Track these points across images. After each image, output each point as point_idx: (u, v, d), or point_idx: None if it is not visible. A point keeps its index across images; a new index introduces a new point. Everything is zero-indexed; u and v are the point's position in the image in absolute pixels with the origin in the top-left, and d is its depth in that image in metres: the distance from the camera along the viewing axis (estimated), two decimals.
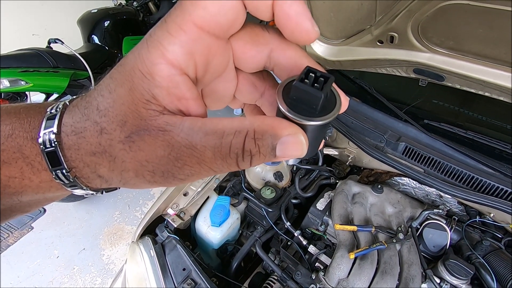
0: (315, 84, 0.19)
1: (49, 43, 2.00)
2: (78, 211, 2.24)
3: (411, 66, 1.07)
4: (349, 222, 1.01)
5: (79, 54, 1.99)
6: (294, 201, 1.24)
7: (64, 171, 0.21)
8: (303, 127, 0.19)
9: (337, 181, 1.22)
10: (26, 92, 1.79)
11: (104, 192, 0.25)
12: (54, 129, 0.21)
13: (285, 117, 0.19)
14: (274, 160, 0.19)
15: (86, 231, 2.12)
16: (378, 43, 1.07)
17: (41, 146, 0.21)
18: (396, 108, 1.26)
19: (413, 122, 1.20)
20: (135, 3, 2.73)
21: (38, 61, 1.75)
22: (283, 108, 0.19)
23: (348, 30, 1.13)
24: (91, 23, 2.36)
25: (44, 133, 0.21)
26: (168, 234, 1.00)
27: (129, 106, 0.19)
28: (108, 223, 2.18)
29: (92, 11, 2.41)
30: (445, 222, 0.99)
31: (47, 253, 1.96)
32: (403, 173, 1.14)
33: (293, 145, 0.18)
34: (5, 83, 1.56)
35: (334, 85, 0.21)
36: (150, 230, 1.05)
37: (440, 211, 1.01)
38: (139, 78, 0.18)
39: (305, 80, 0.19)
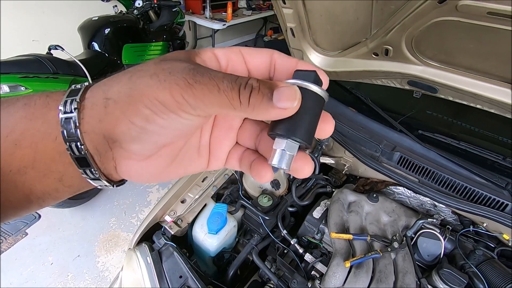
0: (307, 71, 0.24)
1: (49, 49, 2.02)
2: (73, 217, 2.22)
3: (405, 78, 1.10)
4: (345, 230, 1.02)
5: (79, 60, 2.01)
6: (290, 209, 1.25)
7: (74, 101, 0.22)
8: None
9: (334, 189, 1.23)
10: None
11: (100, 175, 0.24)
12: (77, 97, 0.23)
13: None
14: (269, 108, 0.22)
15: (81, 238, 2.10)
16: (373, 55, 1.10)
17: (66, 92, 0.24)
18: (391, 119, 1.29)
19: (407, 132, 1.23)
20: (135, 11, 2.76)
21: (38, 67, 1.76)
22: (288, 79, 0.24)
23: (344, 42, 1.16)
24: (91, 30, 2.38)
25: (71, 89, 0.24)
26: (165, 241, 1.00)
27: (172, 54, 0.25)
28: (103, 230, 2.16)
29: (93, 19, 2.43)
30: (439, 231, 1.01)
31: (41, 260, 1.94)
32: (398, 182, 1.16)
33: (288, 90, 0.22)
34: (5, 89, 1.57)
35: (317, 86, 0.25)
36: (147, 237, 1.05)
37: (434, 220, 1.03)
38: (190, 51, 0.25)
39: (299, 71, 0.24)
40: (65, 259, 1.96)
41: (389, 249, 0.94)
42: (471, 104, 1.02)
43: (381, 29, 0.98)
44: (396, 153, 1.19)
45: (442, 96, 1.07)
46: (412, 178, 1.18)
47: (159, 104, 0.21)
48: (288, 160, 0.23)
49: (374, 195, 1.11)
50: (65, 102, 0.22)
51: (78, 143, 0.22)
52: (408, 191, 1.21)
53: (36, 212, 2.20)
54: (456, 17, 0.76)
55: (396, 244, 0.95)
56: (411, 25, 0.88)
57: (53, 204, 0.27)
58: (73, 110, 0.22)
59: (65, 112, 0.22)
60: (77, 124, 0.22)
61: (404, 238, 0.99)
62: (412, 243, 1.00)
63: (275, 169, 0.25)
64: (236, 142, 0.30)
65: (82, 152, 0.22)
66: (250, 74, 0.27)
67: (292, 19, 1.13)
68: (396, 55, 1.03)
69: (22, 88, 1.63)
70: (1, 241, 2.01)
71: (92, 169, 0.24)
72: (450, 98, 1.05)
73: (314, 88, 0.23)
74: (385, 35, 0.98)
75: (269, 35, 5.25)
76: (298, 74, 0.24)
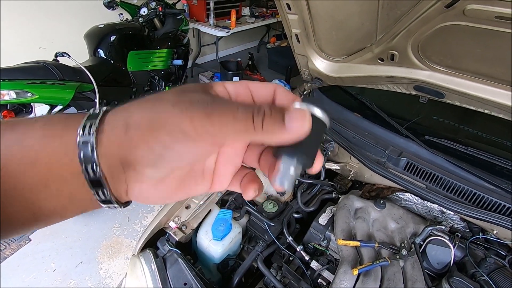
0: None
1: (56, 56, 2.04)
2: (76, 223, 2.21)
3: (411, 83, 1.09)
4: (352, 237, 1.00)
5: (85, 67, 2.03)
6: (296, 215, 1.24)
7: (93, 125, 0.23)
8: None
9: (339, 195, 1.22)
10: (32, 104, 1.81)
11: (110, 195, 0.25)
12: (104, 108, 0.25)
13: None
14: (281, 131, 0.23)
15: (84, 244, 2.09)
16: (379, 61, 1.10)
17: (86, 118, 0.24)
18: (397, 124, 1.28)
19: (414, 137, 1.22)
20: (140, 19, 2.80)
21: (45, 74, 1.78)
22: (297, 102, 0.25)
23: (349, 48, 1.16)
24: (97, 37, 2.41)
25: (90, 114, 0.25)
26: (170, 248, 0.99)
27: (189, 85, 0.26)
28: (106, 236, 2.15)
29: (99, 26, 2.47)
30: (448, 238, 0.99)
31: (43, 266, 1.93)
32: (405, 188, 1.15)
33: (299, 113, 0.23)
34: (12, 95, 1.58)
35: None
36: (151, 243, 1.04)
37: (443, 227, 1.01)
38: (205, 84, 0.27)
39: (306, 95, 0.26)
40: (68, 266, 1.95)
41: (397, 257, 0.92)
42: (479, 109, 1.01)
43: (386, 34, 0.98)
44: (402, 159, 1.18)
45: (449, 102, 1.06)
46: (419, 184, 1.17)
47: (180, 131, 0.23)
48: (291, 181, 0.25)
49: (381, 201, 1.10)
50: (84, 126, 0.23)
51: (94, 165, 0.23)
52: (415, 197, 1.20)
53: None
54: (463, 22, 0.76)
55: (404, 252, 0.93)
56: (417, 30, 0.88)
57: (59, 222, 0.27)
58: (91, 133, 0.23)
59: (83, 135, 0.23)
60: (94, 147, 0.23)
61: (413, 246, 0.97)
62: (420, 251, 0.98)
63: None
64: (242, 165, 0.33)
65: (97, 175, 0.23)
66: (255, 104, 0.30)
67: (297, 25, 1.14)
68: (402, 60, 1.03)
69: (29, 94, 1.65)
70: (4, 247, 2.00)
71: (105, 190, 0.24)
72: (458, 103, 1.04)
73: (319, 113, 0.24)
74: (390, 40, 0.98)
75: (272, 42, 5.30)
76: (305, 99, 0.25)
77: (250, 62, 4.64)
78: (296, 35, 1.19)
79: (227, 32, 3.88)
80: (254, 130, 0.23)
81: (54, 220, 0.26)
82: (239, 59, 4.35)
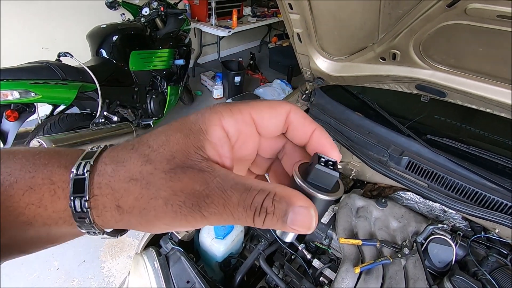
0: (329, 167, 0.23)
1: (58, 56, 2.06)
2: None
3: (413, 83, 1.09)
4: (354, 236, 1.01)
5: (87, 67, 2.04)
6: None
7: (82, 199, 0.22)
8: (315, 201, 0.22)
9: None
10: (35, 104, 1.82)
11: (105, 234, 0.26)
12: (92, 160, 0.23)
13: (302, 191, 0.22)
14: (283, 228, 0.21)
15: (87, 243, 2.10)
16: (381, 60, 1.10)
17: (72, 174, 0.22)
18: (399, 123, 1.28)
19: (415, 137, 1.22)
20: (142, 19, 2.81)
21: (48, 73, 1.79)
22: (301, 182, 0.22)
23: (351, 47, 1.16)
24: (100, 37, 2.43)
25: (80, 163, 0.23)
26: (172, 246, 1.00)
27: (181, 147, 0.22)
28: None
29: (101, 26, 2.48)
30: (450, 237, 0.99)
31: (46, 265, 1.94)
32: (406, 187, 1.15)
33: (304, 216, 0.20)
34: (15, 95, 1.59)
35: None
36: (154, 242, 1.05)
37: (445, 226, 1.01)
38: (197, 130, 0.23)
39: (321, 164, 0.23)
40: (71, 265, 1.96)
41: (399, 255, 0.92)
42: (481, 108, 1.01)
43: (388, 33, 0.98)
44: (404, 158, 1.18)
45: (451, 101, 1.06)
46: (421, 183, 1.17)
47: (176, 227, 0.23)
48: (293, 236, 0.25)
49: (383, 200, 1.10)
50: (74, 200, 0.22)
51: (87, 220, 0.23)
52: (417, 196, 1.20)
53: None
54: (465, 21, 0.76)
55: (406, 250, 0.93)
56: (419, 29, 0.88)
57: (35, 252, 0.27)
58: (84, 209, 0.22)
59: (76, 212, 0.23)
60: (92, 221, 0.23)
61: (414, 244, 0.97)
62: (422, 249, 0.98)
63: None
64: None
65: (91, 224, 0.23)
66: (261, 137, 0.27)
67: (299, 25, 1.14)
68: (404, 59, 1.03)
69: (32, 94, 1.66)
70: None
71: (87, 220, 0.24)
72: (459, 102, 1.05)
73: (332, 198, 0.23)
74: (392, 39, 0.98)
75: (274, 41, 5.30)
76: (317, 174, 0.23)
77: (251, 62, 4.65)
78: (298, 34, 1.19)
79: (228, 32, 3.89)
80: (253, 223, 0.21)
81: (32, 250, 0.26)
82: (240, 59, 4.36)
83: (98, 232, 0.24)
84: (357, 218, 1.07)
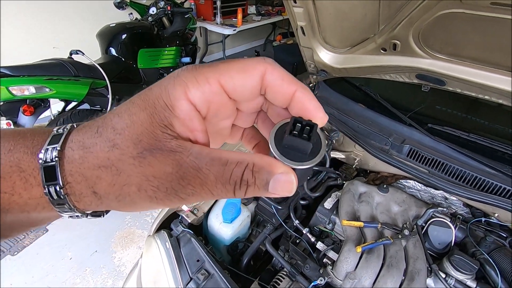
0: (303, 135, 0.22)
1: (70, 54, 2.13)
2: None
3: (414, 72, 1.13)
4: (356, 219, 1.05)
5: (98, 64, 2.11)
6: (302, 202, 1.29)
7: (57, 187, 0.21)
8: (293, 169, 0.22)
9: (344, 182, 1.26)
10: (49, 99, 1.90)
11: (89, 216, 0.25)
12: (58, 145, 0.22)
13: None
14: (264, 195, 0.21)
15: (98, 234, 2.17)
16: (382, 51, 1.14)
17: (41, 161, 0.21)
18: (400, 113, 1.32)
19: (416, 125, 1.25)
20: (150, 18, 2.88)
21: (61, 70, 1.87)
22: (276, 155, 0.22)
23: (353, 39, 1.20)
24: (109, 36, 2.51)
25: (47, 149, 0.22)
26: (183, 229, 1.05)
27: (147, 128, 0.21)
28: (119, 227, 2.23)
29: (110, 25, 2.56)
30: (449, 220, 1.02)
31: (60, 255, 2.02)
32: (408, 174, 1.19)
33: (284, 183, 0.20)
34: (31, 90, 1.67)
35: (318, 129, 0.23)
36: (165, 225, 1.10)
37: (445, 209, 1.05)
38: (161, 107, 0.21)
39: (294, 132, 0.22)
40: (83, 255, 2.03)
41: (399, 236, 0.96)
42: (479, 96, 1.04)
43: (388, 24, 1.02)
44: (405, 146, 1.21)
45: (450, 89, 1.09)
46: (422, 169, 1.20)
47: (153, 207, 0.23)
48: None
49: (385, 186, 1.14)
50: (48, 187, 0.22)
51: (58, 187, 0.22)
52: (419, 184, 1.23)
53: None
54: (461, 9, 0.80)
55: (406, 232, 0.97)
56: (417, 18, 0.92)
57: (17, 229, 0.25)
58: (61, 196, 0.22)
59: (53, 199, 0.22)
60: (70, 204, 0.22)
61: (415, 226, 1.01)
62: (422, 232, 1.02)
63: None
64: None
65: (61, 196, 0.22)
66: (238, 107, 0.26)
67: (302, 18, 1.19)
68: (404, 49, 1.07)
69: (47, 89, 1.74)
70: (23, 236, 2.10)
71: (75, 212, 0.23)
72: (458, 90, 1.08)
73: (304, 167, 0.22)
74: (392, 30, 1.02)
75: (278, 40, 5.34)
76: (290, 142, 0.22)
77: None
78: (302, 27, 1.24)
79: (233, 30, 3.94)
80: (234, 196, 0.21)
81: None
82: (245, 57, 4.41)
83: (82, 215, 0.24)
84: (359, 203, 1.11)
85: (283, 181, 0.20)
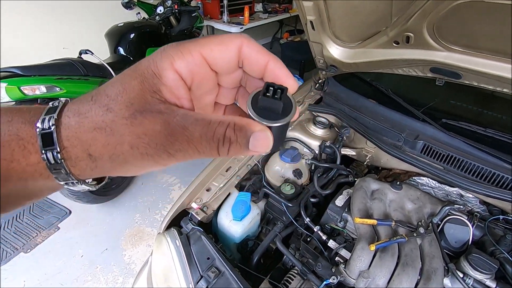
0: (275, 96, 0.24)
1: (80, 53, 2.15)
2: (100, 213, 2.33)
3: (428, 65, 1.10)
4: (369, 217, 1.02)
5: (107, 63, 2.13)
6: (312, 199, 1.27)
7: (54, 152, 0.23)
8: (269, 127, 0.24)
9: (355, 179, 1.24)
10: (59, 98, 1.92)
11: (83, 185, 0.26)
12: (55, 114, 0.24)
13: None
14: (245, 153, 0.23)
15: (108, 232, 2.19)
16: (394, 44, 1.11)
17: (38, 129, 0.23)
18: (413, 108, 1.28)
19: (430, 121, 1.22)
20: (157, 17, 2.89)
21: (71, 70, 1.89)
22: (253, 116, 0.24)
23: (364, 32, 1.17)
24: (117, 35, 2.52)
25: (44, 118, 0.24)
26: (193, 226, 1.05)
27: (138, 93, 0.23)
28: (129, 225, 2.25)
29: (119, 25, 2.57)
30: (466, 218, 0.99)
31: (72, 252, 2.05)
32: (422, 170, 1.15)
33: (262, 140, 0.23)
34: (42, 89, 1.69)
35: (289, 93, 0.26)
36: (175, 223, 1.10)
37: (461, 207, 1.01)
38: (150, 75, 0.23)
39: (267, 94, 0.24)
40: (94, 252, 2.05)
41: (414, 234, 0.93)
42: (497, 89, 1.00)
43: (401, 16, 0.99)
44: (419, 142, 1.18)
45: (467, 82, 1.06)
46: (437, 166, 1.17)
47: (146, 168, 0.25)
48: None
49: (398, 183, 1.11)
50: (46, 153, 0.23)
51: (55, 152, 0.24)
52: (433, 181, 1.20)
53: (67, 208, 2.32)
54: None
55: (422, 230, 0.94)
56: (432, 10, 0.89)
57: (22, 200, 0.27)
58: (58, 161, 0.23)
59: (50, 164, 0.24)
60: (68, 171, 0.24)
61: (430, 224, 0.98)
62: (438, 230, 0.99)
63: None
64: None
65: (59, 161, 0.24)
66: (218, 77, 0.28)
67: (312, 12, 1.16)
68: (418, 42, 1.03)
69: (57, 88, 1.76)
70: (36, 234, 2.14)
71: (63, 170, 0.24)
72: (475, 84, 1.04)
73: (276, 124, 0.24)
74: (405, 22, 0.99)
75: (285, 37, 5.30)
76: (264, 103, 0.24)
77: None
78: (311, 22, 1.22)
79: (240, 28, 3.93)
80: (218, 154, 0.23)
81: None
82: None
83: (77, 182, 0.25)
84: (372, 200, 1.08)
85: (261, 137, 0.23)
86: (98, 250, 2.07)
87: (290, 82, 0.26)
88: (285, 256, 1.07)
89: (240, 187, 1.28)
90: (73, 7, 3.06)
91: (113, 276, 1.92)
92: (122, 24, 2.58)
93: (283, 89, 0.25)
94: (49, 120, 0.23)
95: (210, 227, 1.22)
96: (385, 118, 1.31)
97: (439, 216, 1.01)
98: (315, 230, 1.08)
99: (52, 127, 0.23)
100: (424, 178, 1.23)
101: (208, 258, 0.94)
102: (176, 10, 2.92)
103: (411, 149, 1.21)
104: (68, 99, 0.26)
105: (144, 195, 2.49)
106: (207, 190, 1.17)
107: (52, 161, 0.23)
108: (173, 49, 0.24)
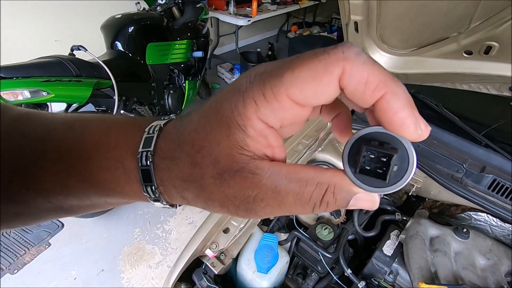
0: (381, 158, 0.18)
1: (72, 50, 1.90)
2: (96, 227, 2.11)
3: (508, 84, 0.87)
4: (432, 277, 0.81)
5: (102, 61, 1.87)
6: (348, 237, 1.06)
7: (153, 187, 0.23)
8: None
9: (404, 217, 1.02)
10: (47, 103, 1.68)
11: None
12: (151, 150, 0.23)
13: None
14: (346, 208, 0.21)
15: (105, 250, 1.98)
16: (465, 54, 0.88)
17: (139, 163, 0.23)
18: (474, 131, 1.06)
19: (498, 148, 0.99)
20: (158, 8, 2.61)
21: (61, 70, 1.64)
22: (351, 179, 0.19)
23: (423, 38, 0.94)
24: (115, 28, 2.26)
25: (142, 151, 0.23)
26: (208, 284, 0.83)
27: (224, 149, 0.21)
28: (128, 241, 2.04)
29: (116, 17, 2.30)
30: None
31: (64, 274, 1.84)
32: (491, 212, 0.94)
33: (366, 202, 0.20)
34: (26, 94, 1.45)
35: (407, 141, 0.18)
36: (186, 275, 0.88)
37: None
38: (235, 128, 0.20)
39: (366, 168, 0.19)
40: (89, 274, 1.85)
41: None
42: None
43: (487, 20, 0.75)
44: (488, 176, 0.96)
45: None
46: (505, 205, 0.95)
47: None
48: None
49: (464, 230, 0.89)
50: (146, 187, 0.24)
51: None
52: (493, 218, 0.99)
53: (59, 221, 2.11)
54: None
55: None
56: None
57: (113, 202, 0.27)
58: (156, 196, 0.24)
59: (151, 197, 0.24)
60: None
61: None
62: None
63: None
64: None
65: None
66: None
67: (359, 11, 0.92)
68: (502, 54, 0.80)
69: (44, 93, 1.51)
70: (24, 252, 1.93)
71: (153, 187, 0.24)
72: None
73: (392, 190, 0.19)
74: (493, 28, 0.75)
75: (294, 30, 5.02)
76: (366, 162, 0.19)
77: (270, 53, 4.40)
78: (356, 23, 0.98)
79: (248, 21, 3.65)
80: (312, 212, 0.21)
81: (109, 194, 0.26)
82: (259, 50, 4.12)
83: (173, 207, 0.26)
84: (433, 252, 0.87)
85: (365, 199, 0.20)
86: (93, 272, 1.86)
87: (409, 132, 0.17)
88: None
89: (263, 222, 1.07)
90: None
91: None
92: (120, 16, 2.31)
93: (391, 156, 0.18)
94: (146, 159, 0.23)
95: (227, 274, 1.01)
96: (438, 142, 1.09)
97: None
98: (360, 286, 0.87)
99: (150, 165, 0.23)
100: (482, 214, 1.02)
101: None
102: (180, 1, 2.64)
103: (474, 183, 0.99)
104: (161, 125, 0.24)
105: (144, 206, 2.27)
106: (224, 232, 0.95)
107: (153, 196, 0.24)
108: (256, 91, 0.19)
